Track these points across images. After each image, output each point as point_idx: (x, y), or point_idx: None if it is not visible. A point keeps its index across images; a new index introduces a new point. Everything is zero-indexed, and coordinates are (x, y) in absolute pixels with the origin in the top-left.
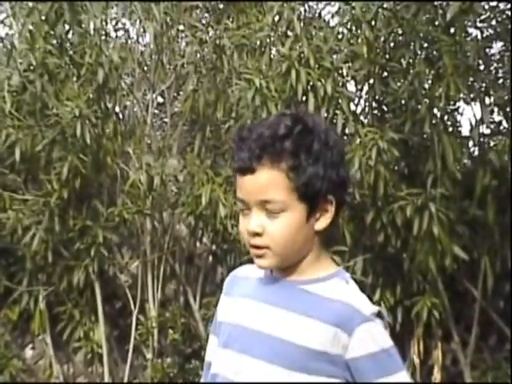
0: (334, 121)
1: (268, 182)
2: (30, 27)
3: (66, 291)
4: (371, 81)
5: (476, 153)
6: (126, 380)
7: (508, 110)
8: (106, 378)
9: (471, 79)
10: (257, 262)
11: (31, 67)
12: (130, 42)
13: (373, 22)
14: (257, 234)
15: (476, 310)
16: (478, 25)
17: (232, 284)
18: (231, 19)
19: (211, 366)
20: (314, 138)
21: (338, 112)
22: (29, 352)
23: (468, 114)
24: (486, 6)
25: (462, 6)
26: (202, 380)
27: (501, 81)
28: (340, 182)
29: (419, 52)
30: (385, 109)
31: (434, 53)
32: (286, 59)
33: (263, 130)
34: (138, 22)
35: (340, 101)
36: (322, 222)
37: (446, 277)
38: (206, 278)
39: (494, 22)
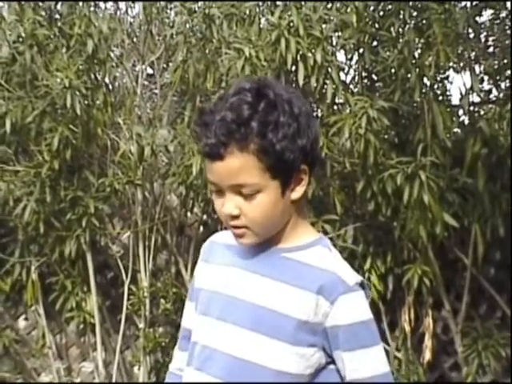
0: (324, 90)
1: (239, 167)
2: None
3: (57, 262)
4: (361, 50)
5: (466, 121)
6: (118, 349)
7: (498, 78)
8: (99, 348)
9: (461, 48)
10: (238, 240)
11: (20, 39)
12: (119, 12)
13: None
14: (234, 217)
15: (467, 278)
16: None
17: (210, 250)
18: None
19: (192, 334)
20: (279, 113)
21: (327, 81)
22: (22, 323)
23: (458, 83)
24: None
25: None
26: (177, 345)
27: (491, 49)
28: (310, 145)
29: (409, 21)
30: (374, 78)
31: (424, 21)
32: (275, 28)
33: (226, 112)
34: None
35: (330, 70)
36: (298, 192)
37: (437, 245)
38: (197, 248)
39: None
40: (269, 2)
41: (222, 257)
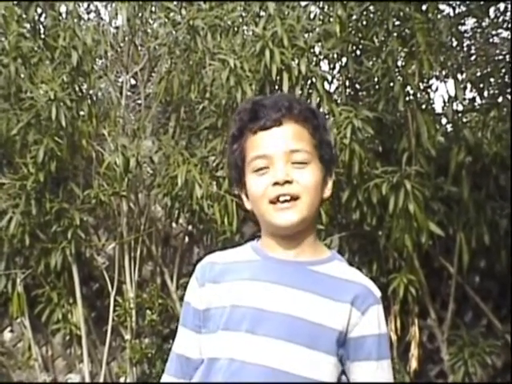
0: (309, 100)
1: (296, 133)
2: (3, 11)
3: (43, 274)
4: (344, 59)
5: (450, 129)
6: (104, 361)
7: (481, 86)
8: (85, 360)
9: (444, 56)
10: (281, 216)
11: (5, 51)
12: (102, 24)
13: (345, 1)
14: (287, 182)
15: (452, 286)
16: (450, 2)
17: (212, 270)
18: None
19: (208, 354)
20: (319, 113)
21: (312, 91)
22: (7, 335)
23: (441, 91)
24: None
25: None
26: (168, 371)
27: (473, 57)
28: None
29: (392, 30)
30: (358, 87)
31: (407, 31)
32: (259, 39)
33: (281, 96)
34: (110, 3)
35: (314, 80)
36: (327, 191)
37: (422, 253)
38: (182, 259)
39: None
40: (252, 13)
41: (237, 273)
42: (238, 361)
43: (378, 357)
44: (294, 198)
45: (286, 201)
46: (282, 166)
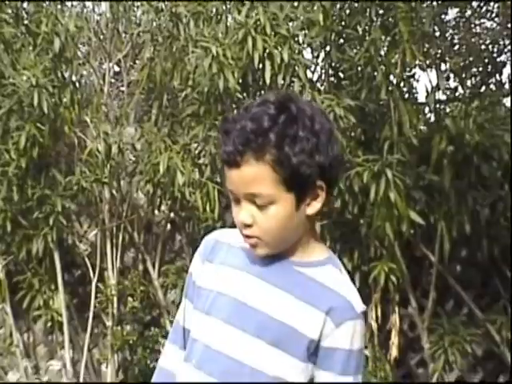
0: (291, 88)
1: (253, 176)
2: None
3: (25, 260)
4: (327, 48)
5: (432, 119)
6: (85, 347)
7: (463, 76)
8: (66, 346)
9: (427, 46)
10: (252, 250)
11: None
12: (85, 10)
13: None
14: (247, 225)
15: (433, 275)
16: None
17: (214, 249)
18: None
19: (191, 330)
20: (298, 127)
21: (294, 79)
22: None
23: (424, 81)
24: None
25: None
26: (169, 337)
27: (456, 47)
28: (330, 163)
29: (375, 19)
30: (341, 76)
31: (390, 20)
32: (242, 27)
33: (246, 122)
34: None
35: (296, 68)
36: (313, 207)
37: (403, 242)
38: (164, 246)
39: None
40: (235, 0)
41: (230, 258)
42: (212, 349)
43: (342, 372)
44: (257, 237)
45: (250, 237)
46: (244, 206)
